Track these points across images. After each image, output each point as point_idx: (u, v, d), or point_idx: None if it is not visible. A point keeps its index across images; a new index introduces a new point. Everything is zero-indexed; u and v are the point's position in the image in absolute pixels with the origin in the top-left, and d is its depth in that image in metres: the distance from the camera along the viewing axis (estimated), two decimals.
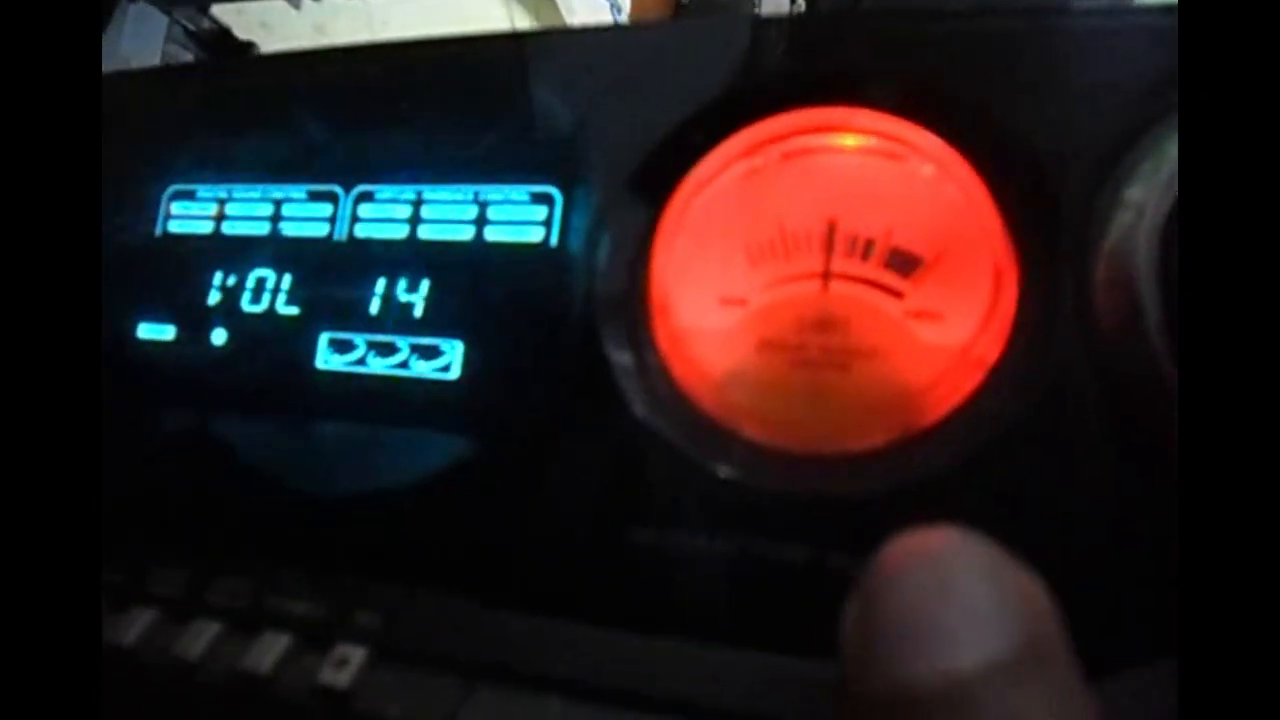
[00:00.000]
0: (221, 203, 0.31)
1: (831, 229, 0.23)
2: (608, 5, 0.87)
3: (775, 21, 0.25)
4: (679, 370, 0.22)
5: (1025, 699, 0.12)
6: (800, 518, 0.19)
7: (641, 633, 0.20)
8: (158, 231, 0.32)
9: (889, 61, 0.22)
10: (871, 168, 0.23)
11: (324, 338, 0.28)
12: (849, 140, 0.24)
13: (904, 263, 0.22)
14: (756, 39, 0.24)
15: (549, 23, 0.97)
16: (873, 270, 0.22)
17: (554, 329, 0.25)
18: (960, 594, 0.12)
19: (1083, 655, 0.13)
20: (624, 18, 0.94)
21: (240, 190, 0.31)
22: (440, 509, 0.23)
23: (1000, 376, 0.20)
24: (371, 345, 0.28)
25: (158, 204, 0.32)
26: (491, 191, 0.27)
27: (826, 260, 0.23)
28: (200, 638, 0.20)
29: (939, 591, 0.13)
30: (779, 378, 0.22)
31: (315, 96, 0.30)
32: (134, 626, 0.21)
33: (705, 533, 0.20)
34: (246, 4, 0.51)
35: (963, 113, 0.21)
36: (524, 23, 0.92)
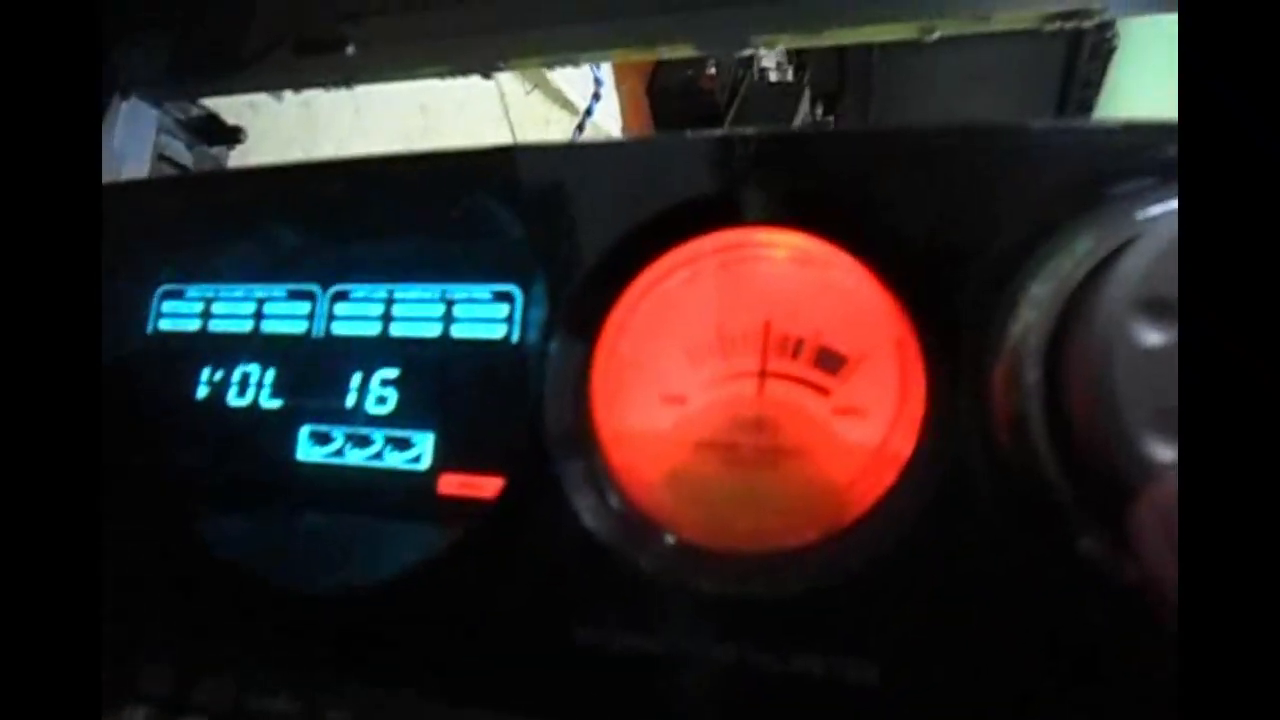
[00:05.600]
0: (209, 301, 0.33)
1: (765, 330, 0.25)
2: (592, 80, 0.90)
3: (702, 142, 0.27)
4: (621, 473, 0.24)
5: None
6: (726, 618, 0.21)
7: None
8: (149, 329, 0.34)
9: (810, 182, 0.24)
10: (799, 274, 0.25)
11: (305, 430, 0.30)
12: (779, 252, 0.26)
13: (830, 361, 0.24)
14: (690, 158, 0.27)
15: (545, 92, 1.01)
16: (803, 368, 0.24)
17: (513, 424, 0.27)
18: None
19: None
20: (606, 85, 0.97)
21: (226, 290, 0.33)
22: (408, 605, 0.25)
23: (910, 474, 0.22)
24: (349, 437, 0.30)
25: (149, 303, 0.34)
26: (457, 290, 0.30)
27: (761, 359, 0.25)
28: None
29: None
30: (712, 477, 0.24)
31: (295, 205, 0.33)
32: None
33: (639, 632, 0.21)
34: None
35: (855, 220, 0.23)
36: (515, 98, 0.95)
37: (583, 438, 0.24)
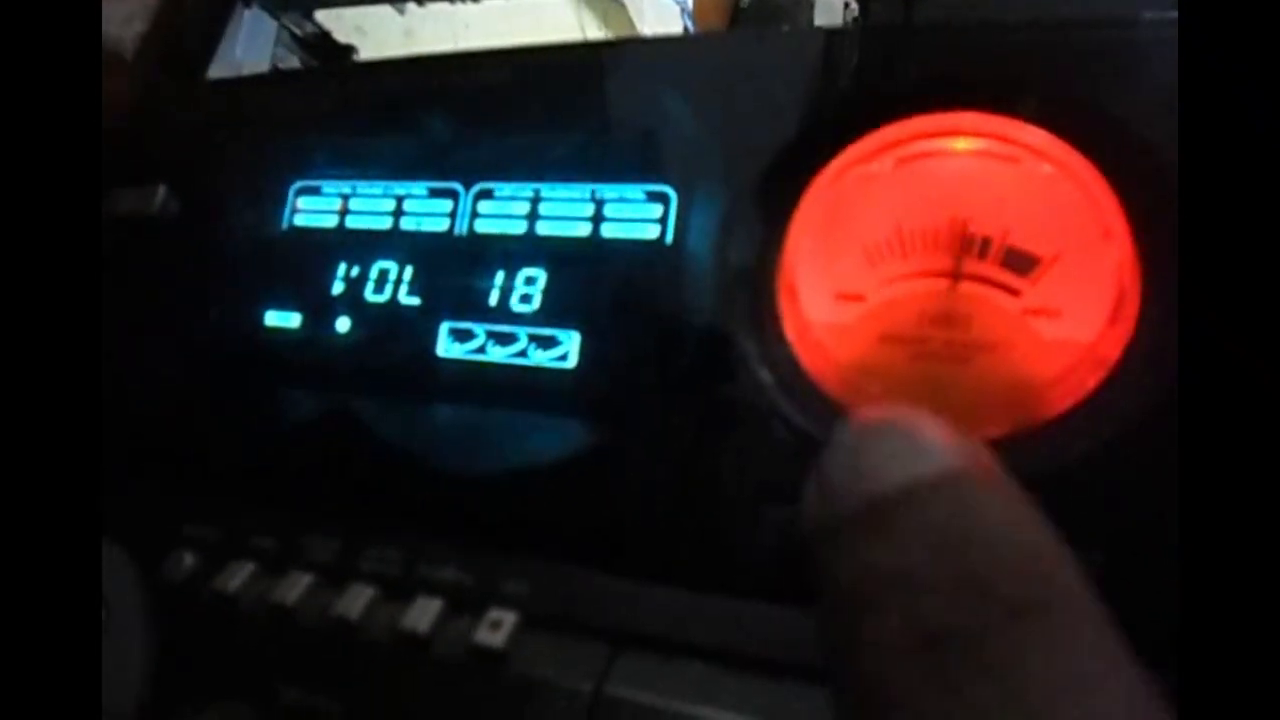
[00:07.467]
0: (345, 198, 0.33)
1: (948, 229, 0.24)
2: (676, 10, 0.88)
3: (884, 31, 0.26)
4: (805, 357, 0.23)
5: (978, 502, 0.12)
6: None
7: (771, 603, 0.21)
8: (284, 225, 0.33)
9: (1015, 69, 0.23)
10: (986, 170, 0.24)
11: (445, 327, 0.30)
12: (962, 144, 0.25)
13: (1020, 261, 0.23)
14: (865, 48, 0.25)
15: (617, 27, 0.99)
16: (989, 269, 0.23)
17: (671, 321, 0.26)
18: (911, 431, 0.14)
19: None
20: (690, 22, 0.95)
21: (364, 186, 0.33)
22: (568, 489, 0.24)
23: (1124, 374, 0.20)
24: (491, 335, 0.29)
25: (285, 199, 0.34)
26: (608, 190, 0.29)
27: (944, 259, 0.24)
28: (358, 600, 0.22)
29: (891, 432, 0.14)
30: (900, 369, 0.23)
31: (438, 99, 0.32)
32: (294, 589, 0.23)
33: None
34: (343, 9, 0.53)
35: (1088, 116, 0.22)
36: (593, 27, 0.94)
37: (767, 330, 0.23)
